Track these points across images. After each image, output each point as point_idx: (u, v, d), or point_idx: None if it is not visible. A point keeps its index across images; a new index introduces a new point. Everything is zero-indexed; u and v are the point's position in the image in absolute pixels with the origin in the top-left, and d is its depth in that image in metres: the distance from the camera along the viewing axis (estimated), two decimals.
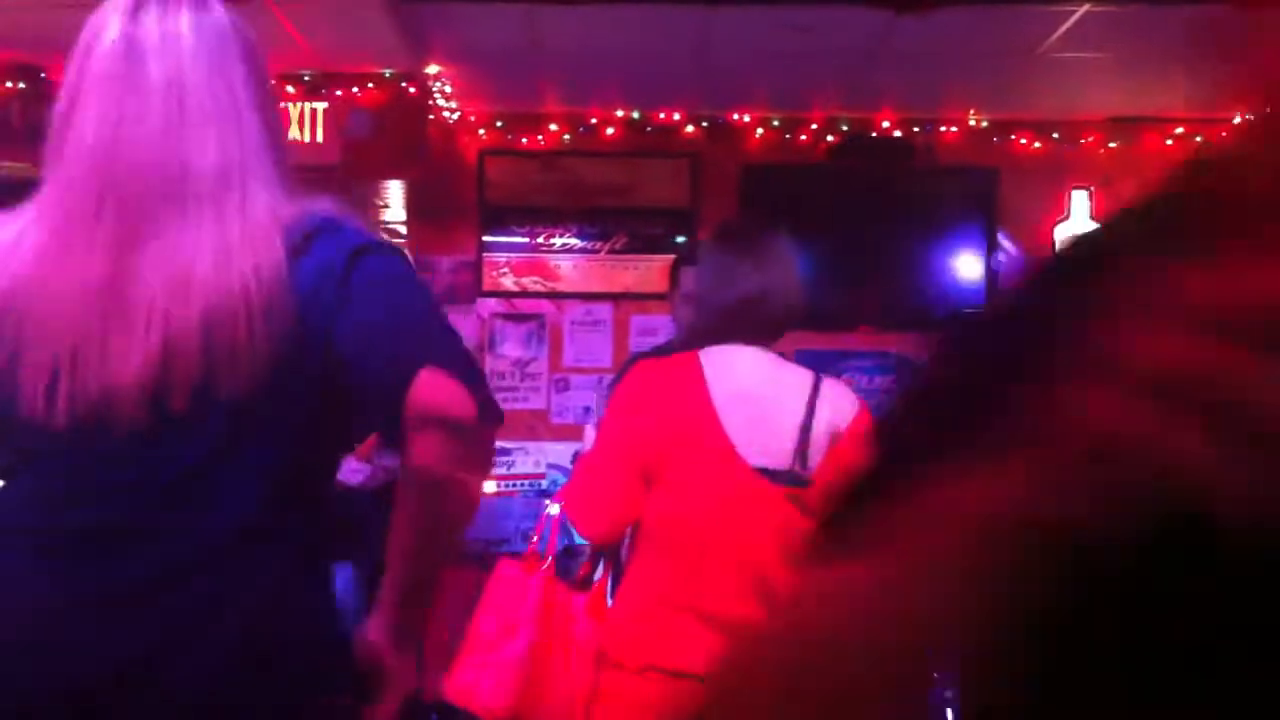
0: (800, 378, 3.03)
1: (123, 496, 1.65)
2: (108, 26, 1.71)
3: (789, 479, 2.89)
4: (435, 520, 1.78)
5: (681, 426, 2.87)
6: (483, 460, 1.85)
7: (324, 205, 1.80)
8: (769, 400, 2.93)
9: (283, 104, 6.32)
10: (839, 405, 3.03)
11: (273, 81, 1.85)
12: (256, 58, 1.76)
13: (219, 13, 1.75)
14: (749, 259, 3.00)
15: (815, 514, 2.92)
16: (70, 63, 1.74)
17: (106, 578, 1.62)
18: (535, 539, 3.34)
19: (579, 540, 3.96)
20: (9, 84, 6.25)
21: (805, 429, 2.93)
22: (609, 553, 3.26)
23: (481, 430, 1.77)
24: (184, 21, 1.70)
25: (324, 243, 1.73)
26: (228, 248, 1.65)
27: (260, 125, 1.72)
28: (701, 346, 2.98)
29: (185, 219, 1.65)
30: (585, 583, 3.26)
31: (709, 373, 2.90)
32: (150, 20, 1.70)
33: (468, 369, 1.77)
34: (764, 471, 2.88)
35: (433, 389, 1.71)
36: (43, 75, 5.91)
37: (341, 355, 1.70)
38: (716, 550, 2.88)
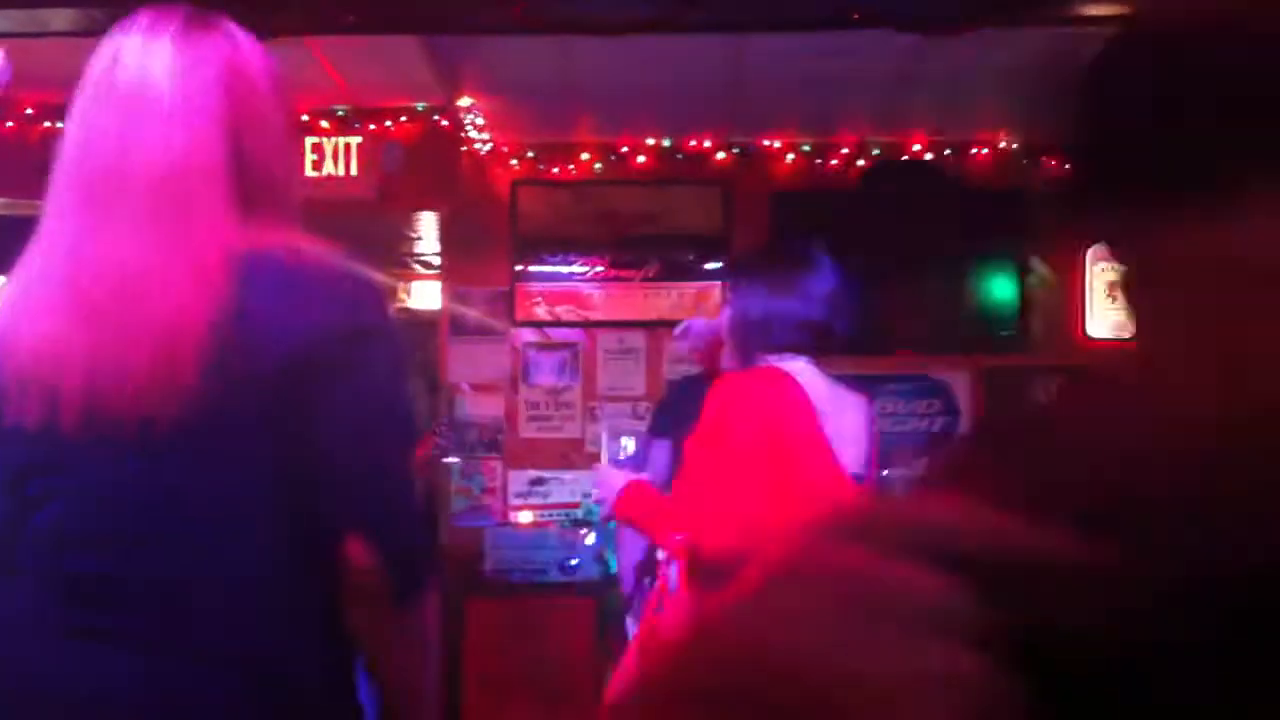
0: (840, 387, 3.12)
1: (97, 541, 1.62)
2: (103, 49, 1.73)
3: (861, 481, 2.99)
4: (396, 672, 1.74)
5: (795, 434, 2.87)
6: (411, 638, 1.73)
7: (315, 250, 1.69)
8: (841, 407, 2.97)
9: (317, 139, 6.37)
10: (862, 410, 3.14)
11: (283, 115, 1.79)
12: (249, 82, 1.71)
13: (219, 36, 1.72)
14: (790, 275, 3.04)
15: None
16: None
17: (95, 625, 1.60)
18: (660, 582, 3.13)
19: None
20: (46, 124, 6.33)
21: (868, 433, 2.97)
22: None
23: (400, 616, 1.69)
24: (170, 39, 1.69)
25: (309, 296, 1.64)
26: (148, 268, 1.61)
27: (224, 146, 1.66)
28: (751, 361, 2.99)
29: (121, 227, 1.63)
30: None
31: (801, 382, 2.91)
32: (136, 40, 1.71)
33: (401, 542, 1.68)
34: (855, 476, 2.97)
35: (360, 558, 1.64)
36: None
37: (313, 451, 1.63)
38: None
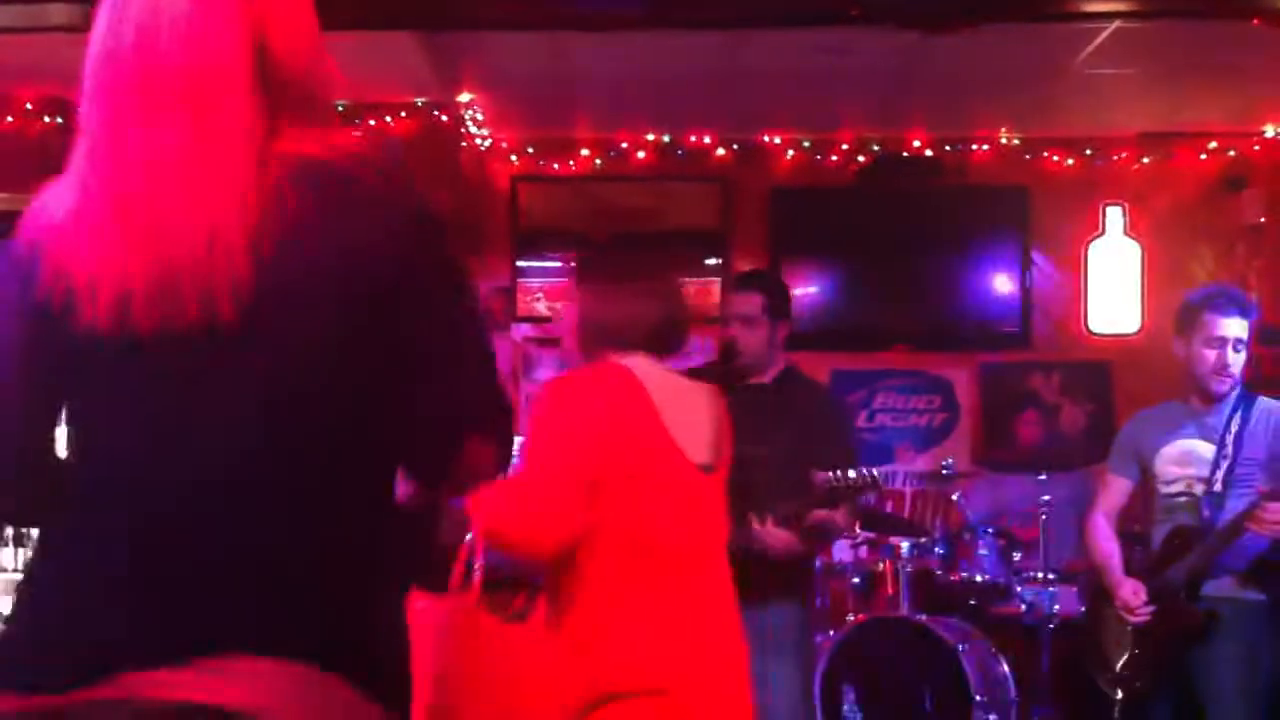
0: (685, 380, 3.12)
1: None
2: None
3: (709, 470, 2.98)
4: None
5: (629, 430, 2.87)
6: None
7: (348, 142, 1.65)
8: (684, 399, 2.98)
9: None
10: (709, 401, 3.11)
11: (311, 13, 1.76)
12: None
13: None
14: (643, 282, 3.07)
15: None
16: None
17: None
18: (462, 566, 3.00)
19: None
20: (46, 118, 6.33)
21: (714, 421, 3.03)
22: (534, 579, 3.12)
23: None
24: None
25: (357, 196, 1.61)
26: (183, 162, 1.58)
27: (246, 41, 1.63)
28: (593, 358, 3.00)
29: (157, 125, 1.61)
30: (520, 616, 3.01)
31: (639, 376, 2.91)
32: None
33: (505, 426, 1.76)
34: (702, 466, 2.96)
35: (477, 461, 1.71)
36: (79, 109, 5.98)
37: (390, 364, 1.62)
38: (692, 550, 2.92)
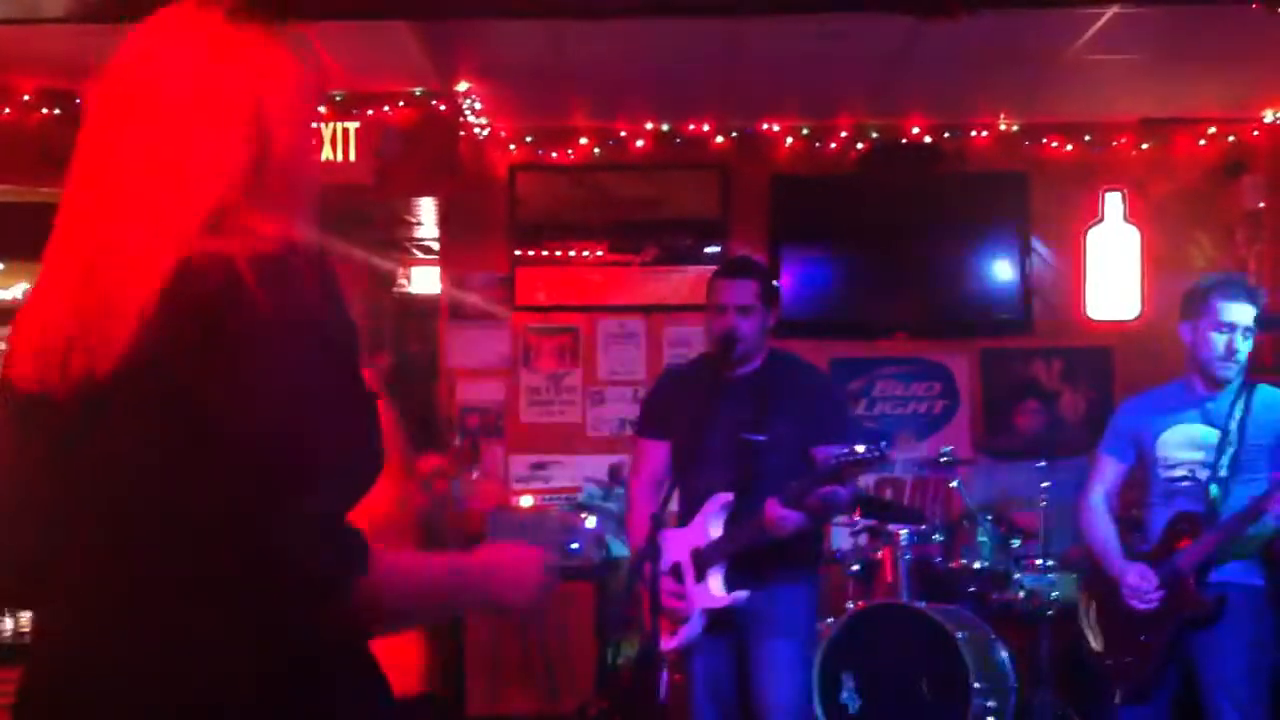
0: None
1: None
2: (130, 44, 1.73)
3: None
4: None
5: None
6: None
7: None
8: None
9: (313, 124, 6.34)
10: None
11: (314, 107, 1.77)
12: (283, 77, 1.70)
13: (211, 23, 1.68)
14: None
15: None
16: None
17: None
18: None
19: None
20: (44, 110, 6.32)
21: None
22: None
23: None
24: (166, 28, 1.67)
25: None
26: (115, 246, 1.59)
27: (249, 139, 1.64)
28: None
29: (104, 206, 1.62)
30: None
31: None
32: (168, 32, 1.70)
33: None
34: None
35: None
36: (77, 101, 5.98)
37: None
38: None
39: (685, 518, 4.26)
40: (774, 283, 4.55)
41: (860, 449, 3.97)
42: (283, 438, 1.54)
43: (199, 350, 1.53)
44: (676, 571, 4.17)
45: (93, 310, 1.58)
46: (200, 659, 1.53)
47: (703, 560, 4.15)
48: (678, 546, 4.18)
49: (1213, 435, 4.25)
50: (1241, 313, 4.23)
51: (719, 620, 4.15)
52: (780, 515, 3.96)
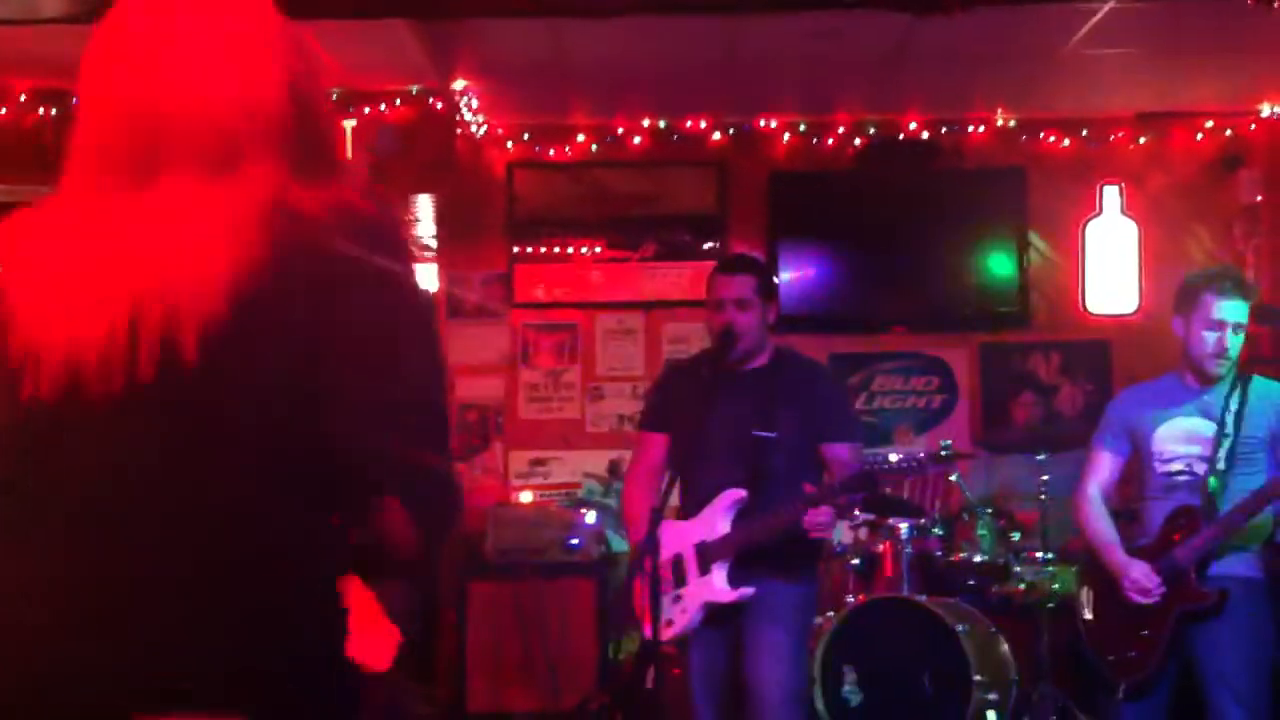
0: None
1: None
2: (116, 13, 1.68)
3: None
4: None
5: None
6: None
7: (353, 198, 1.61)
8: None
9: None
10: None
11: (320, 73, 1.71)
12: (298, 34, 1.66)
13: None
14: None
15: None
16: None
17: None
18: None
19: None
20: (41, 109, 6.32)
21: None
22: None
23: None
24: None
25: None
26: (186, 231, 1.53)
27: (285, 88, 1.59)
28: None
29: (157, 192, 1.56)
30: None
31: None
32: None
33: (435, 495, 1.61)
34: None
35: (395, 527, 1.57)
36: (74, 100, 5.97)
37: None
38: None
39: (690, 511, 4.28)
40: (773, 278, 4.56)
41: (893, 458, 4.14)
42: (422, 388, 1.60)
43: (318, 304, 1.53)
44: (677, 564, 4.18)
45: (171, 287, 1.50)
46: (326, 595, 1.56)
47: (708, 554, 4.16)
48: (680, 539, 4.19)
49: (1209, 428, 4.25)
50: (1233, 310, 4.23)
51: (718, 613, 4.16)
52: (822, 520, 4.04)
